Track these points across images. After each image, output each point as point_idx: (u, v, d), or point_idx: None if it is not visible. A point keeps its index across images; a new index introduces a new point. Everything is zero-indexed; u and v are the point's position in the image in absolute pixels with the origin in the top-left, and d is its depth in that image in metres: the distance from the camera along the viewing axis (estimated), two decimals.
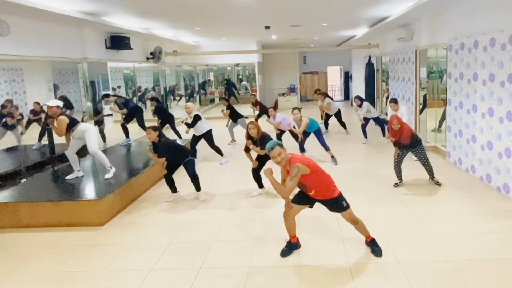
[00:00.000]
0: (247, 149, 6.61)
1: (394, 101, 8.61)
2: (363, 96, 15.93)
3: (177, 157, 6.47)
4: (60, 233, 5.48)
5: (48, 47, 8.05)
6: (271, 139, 5.46)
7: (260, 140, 6.33)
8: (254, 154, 6.65)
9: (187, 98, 17.50)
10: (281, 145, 4.12)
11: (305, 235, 4.99)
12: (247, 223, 5.61)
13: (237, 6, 8.27)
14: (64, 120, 6.44)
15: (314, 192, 4.22)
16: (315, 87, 22.96)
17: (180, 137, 10.48)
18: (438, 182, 6.84)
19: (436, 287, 3.81)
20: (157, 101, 11.11)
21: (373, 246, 4.48)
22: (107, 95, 10.04)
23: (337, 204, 4.29)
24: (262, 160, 6.59)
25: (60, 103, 6.62)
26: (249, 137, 6.49)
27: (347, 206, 4.31)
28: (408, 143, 6.57)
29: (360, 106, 10.54)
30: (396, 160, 6.79)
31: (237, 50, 15.80)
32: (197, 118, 8.62)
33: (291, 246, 4.55)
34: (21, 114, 8.48)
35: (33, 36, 7.63)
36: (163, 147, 6.26)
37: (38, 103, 8.64)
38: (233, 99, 18.85)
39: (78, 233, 5.46)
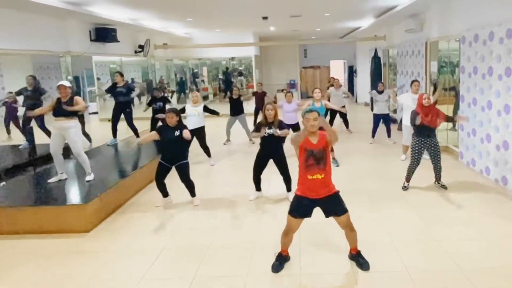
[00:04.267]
0: (258, 129, 6.52)
1: (417, 80, 8.72)
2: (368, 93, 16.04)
3: (179, 152, 6.48)
4: (43, 240, 5.50)
5: (28, 39, 8.06)
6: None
7: (278, 124, 6.39)
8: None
9: (177, 94, 17.53)
10: (319, 114, 4.25)
11: (306, 241, 5.04)
12: (244, 228, 5.66)
13: None
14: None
15: (323, 175, 4.17)
16: (317, 83, 23.06)
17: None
18: (444, 185, 6.86)
19: None
20: None
21: (359, 259, 4.47)
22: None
23: (339, 202, 4.27)
24: (265, 157, 6.56)
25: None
26: (265, 120, 6.45)
27: (347, 209, 4.30)
28: (436, 126, 6.62)
29: (381, 92, 10.36)
30: (415, 158, 6.73)
31: (232, 43, 15.84)
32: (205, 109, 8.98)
33: (282, 260, 4.55)
34: None
35: (12, 28, 7.64)
36: (176, 128, 6.35)
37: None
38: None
39: (62, 240, 5.47)
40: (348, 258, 4.59)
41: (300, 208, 4.28)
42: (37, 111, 7.02)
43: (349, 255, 4.59)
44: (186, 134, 6.28)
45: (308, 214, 4.30)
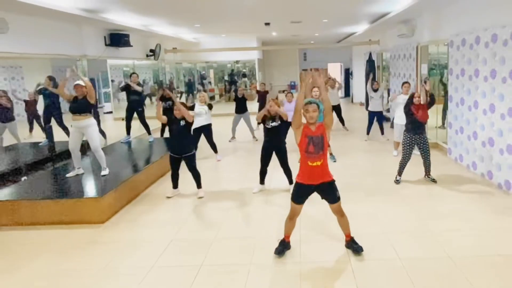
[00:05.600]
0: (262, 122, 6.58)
1: (407, 82, 8.70)
2: (363, 93, 15.99)
3: (185, 142, 6.48)
4: (61, 231, 5.50)
5: (47, 44, 8.05)
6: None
7: (280, 117, 6.39)
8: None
9: (186, 95, 17.50)
10: (319, 106, 4.29)
11: (305, 232, 5.02)
12: (248, 220, 5.63)
13: (237, 2, 8.27)
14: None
15: (322, 161, 4.22)
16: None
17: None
18: (434, 179, 6.85)
19: (438, 284, 3.83)
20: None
21: (353, 245, 4.50)
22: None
23: (333, 190, 4.33)
24: (269, 149, 6.55)
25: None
26: (268, 114, 6.43)
27: (339, 198, 4.37)
28: (426, 119, 6.70)
29: (376, 90, 10.32)
30: (406, 154, 6.75)
31: (237, 47, 15.82)
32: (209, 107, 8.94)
33: (285, 246, 4.57)
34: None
35: (32, 34, 7.64)
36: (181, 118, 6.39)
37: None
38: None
39: (79, 230, 5.47)
40: (345, 247, 4.58)
41: (301, 194, 4.36)
42: (60, 88, 6.72)
43: (345, 244, 4.59)
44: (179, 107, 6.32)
45: (306, 197, 4.40)
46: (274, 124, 6.40)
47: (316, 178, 4.27)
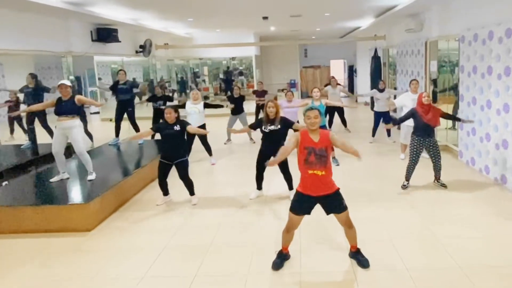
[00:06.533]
0: (255, 126, 6.63)
1: (416, 80, 8.69)
2: (368, 92, 16.01)
3: (178, 148, 6.47)
4: (45, 239, 5.51)
5: (30, 40, 8.07)
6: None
7: (280, 121, 6.41)
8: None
9: (178, 93, 17.54)
10: (320, 113, 4.29)
11: (306, 240, 5.05)
12: (245, 227, 5.66)
13: None
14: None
15: (324, 172, 4.15)
16: (317, 82, 23.02)
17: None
18: (444, 184, 6.87)
19: None
20: None
21: (359, 257, 4.48)
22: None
23: (339, 200, 4.27)
24: (266, 153, 6.52)
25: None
26: (266, 117, 6.43)
27: (347, 207, 4.30)
28: (437, 125, 6.64)
29: (382, 90, 10.43)
30: (413, 158, 6.73)
31: (233, 43, 15.84)
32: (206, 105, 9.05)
33: (283, 257, 4.56)
34: None
35: (14, 28, 7.66)
36: (175, 124, 6.39)
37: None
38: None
39: (64, 239, 5.49)
40: (348, 256, 4.59)
41: (301, 205, 4.28)
42: (33, 107, 7.02)
43: (349, 253, 4.60)
44: (192, 129, 6.36)
45: (308, 211, 4.31)
46: (272, 127, 6.35)
47: (316, 189, 4.19)
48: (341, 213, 4.28)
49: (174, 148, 6.44)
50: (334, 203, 4.28)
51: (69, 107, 6.60)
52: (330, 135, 4.25)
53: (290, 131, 6.47)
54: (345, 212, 4.29)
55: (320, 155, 4.13)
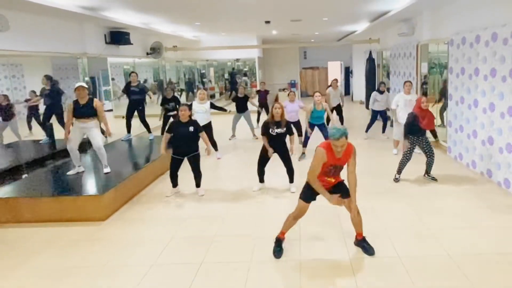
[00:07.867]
0: (265, 132, 6.39)
1: (409, 81, 8.61)
2: (363, 91, 15.99)
3: (191, 145, 6.44)
4: (62, 228, 5.51)
5: (48, 42, 8.06)
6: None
7: (286, 124, 6.37)
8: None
9: (186, 93, 17.51)
10: (347, 136, 4.03)
11: (305, 229, 5.02)
12: (248, 218, 5.64)
13: (237, 0, 8.27)
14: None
15: (334, 180, 4.35)
16: (316, 83, 22.98)
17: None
18: (434, 178, 6.86)
19: (437, 281, 3.85)
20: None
21: (365, 245, 4.48)
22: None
23: (345, 186, 4.39)
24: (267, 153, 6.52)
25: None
26: (272, 119, 6.35)
27: None
28: (431, 128, 6.73)
29: (382, 92, 10.28)
30: (407, 154, 6.75)
31: (237, 45, 15.79)
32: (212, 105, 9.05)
33: (280, 243, 4.56)
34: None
35: (33, 32, 7.64)
36: (189, 124, 6.37)
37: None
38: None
39: (79, 228, 5.48)
40: (354, 244, 4.59)
41: (312, 194, 4.36)
42: (67, 124, 6.73)
43: (354, 241, 4.59)
44: (204, 137, 6.51)
45: (315, 197, 4.41)
46: (279, 131, 6.30)
47: (327, 188, 4.33)
48: (348, 197, 4.37)
49: (187, 145, 6.40)
50: (340, 190, 4.37)
51: (88, 111, 6.59)
52: (353, 151, 4.27)
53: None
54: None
55: (339, 169, 4.32)
